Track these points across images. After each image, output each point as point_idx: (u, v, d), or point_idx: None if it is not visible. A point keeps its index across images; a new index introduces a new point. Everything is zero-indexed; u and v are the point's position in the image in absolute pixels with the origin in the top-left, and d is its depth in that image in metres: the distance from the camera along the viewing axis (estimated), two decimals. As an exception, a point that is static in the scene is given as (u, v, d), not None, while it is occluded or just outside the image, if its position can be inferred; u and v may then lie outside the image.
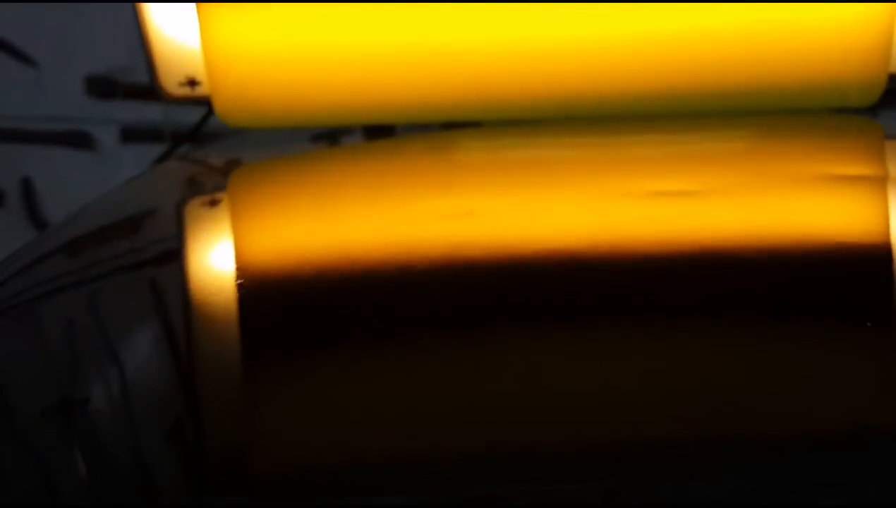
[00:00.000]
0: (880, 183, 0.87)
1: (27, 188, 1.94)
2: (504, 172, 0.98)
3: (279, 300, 0.67)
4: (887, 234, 0.73)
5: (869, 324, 0.59)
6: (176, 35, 1.12)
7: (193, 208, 0.98)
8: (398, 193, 0.92)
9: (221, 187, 1.06)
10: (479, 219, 0.79)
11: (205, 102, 1.13)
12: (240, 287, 0.69)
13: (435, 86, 1.07)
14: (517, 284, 0.66)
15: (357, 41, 1.07)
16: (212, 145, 1.24)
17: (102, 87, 1.87)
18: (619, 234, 0.73)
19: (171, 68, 1.12)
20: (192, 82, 1.13)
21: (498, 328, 0.61)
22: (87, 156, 1.92)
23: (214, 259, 0.80)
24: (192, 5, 1.07)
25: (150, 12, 1.11)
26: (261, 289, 0.69)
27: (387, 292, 0.66)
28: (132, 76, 1.77)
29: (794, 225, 0.75)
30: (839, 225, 0.76)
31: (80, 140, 1.91)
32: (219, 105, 1.11)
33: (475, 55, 1.07)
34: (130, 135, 1.89)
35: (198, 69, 1.12)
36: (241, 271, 0.73)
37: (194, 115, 1.19)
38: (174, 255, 0.83)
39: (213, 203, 0.99)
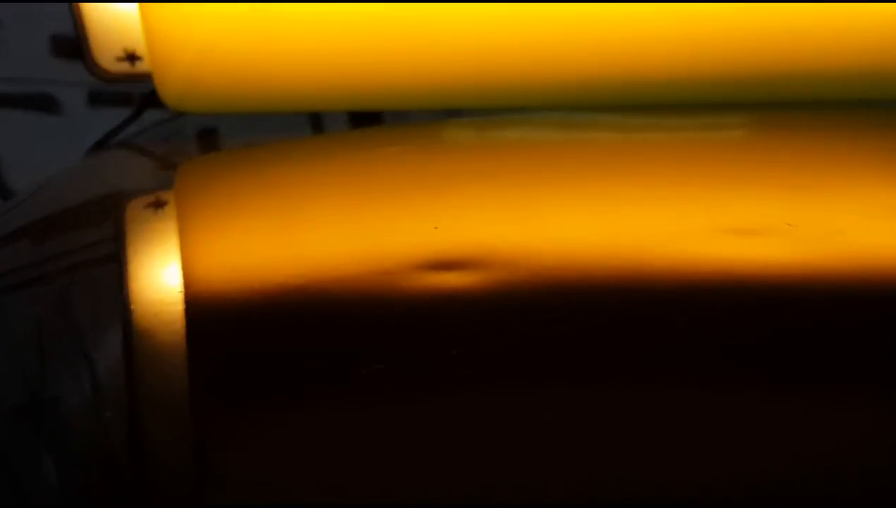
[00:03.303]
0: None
1: (-11, 153, 1.83)
2: (497, 169, 0.83)
3: (232, 334, 0.57)
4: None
5: None
6: (112, 1, 0.96)
7: (133, 212, 0.86)
8: (371, 197, 0.79)
9: (168, 184, 0.94)
10: (463, 229, 0.68)
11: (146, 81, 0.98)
12: (188, 321, 0.59)
13: (396, 70, 0.94)
14: (508, 311, 0.56)
15: (322, 13, 0.93)
16: (171, 125, 1.10)
17: (69, 48, 1.72)
18: (632, 252, 0.61)
19: (107, 40, 0.96)
20: (132, 57, 0.97)
21: (481, 364, 0.52)
22: (53, 120, 1.82)
23: (156, 284, 0.68)
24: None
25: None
26: (211, 325, 0.59)
27: (355, 319, 0.57)
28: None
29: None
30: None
31: (44, 103, 1.81)
32: (162, 85, 0.96)
33: (440, 39, 0.94)
34: (98, 98, 1.77)
35: (139, 40, 0.96)
36: (190, 301, 0.62)
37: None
38: (103, 280, 0.71)
39: (158, 205, 0.87)
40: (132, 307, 0.64)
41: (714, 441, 0.46)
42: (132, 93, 1.47)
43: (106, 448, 0.50)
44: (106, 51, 0.97)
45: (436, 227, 0.67)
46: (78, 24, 0.97)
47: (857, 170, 0.79)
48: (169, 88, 0.96)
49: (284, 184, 0.87)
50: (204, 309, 0.61)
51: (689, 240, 0.62)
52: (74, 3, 0.96)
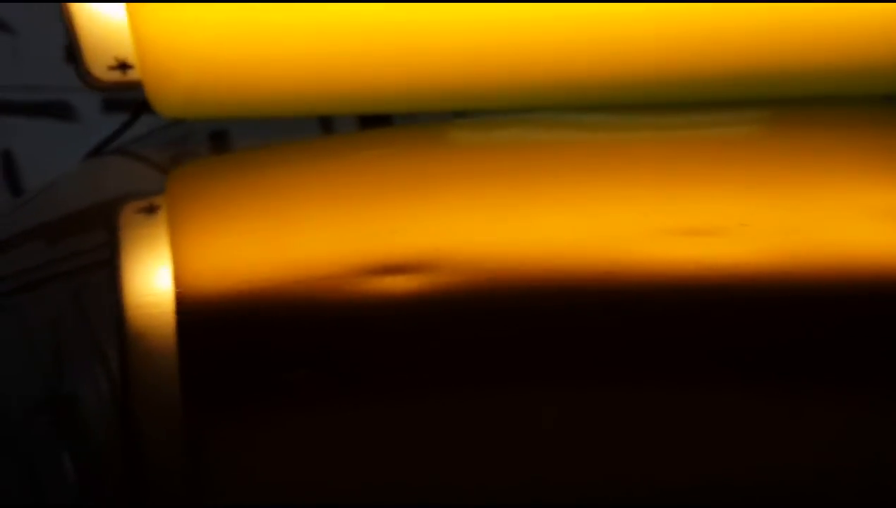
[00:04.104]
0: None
1: (7, 160, 1.85)
2: (472, 171, 0.84)
3: (225, 342, 0.57)
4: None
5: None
6: (103, 9, 0.97)
7: (126, 217, 0.86)
8: (367, 200, 0.79)
9: (160, 188, 0.95)
10: (422, 232, 0.69)
11: (137, 89, 0.98)
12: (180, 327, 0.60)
13: (387, 74, 0.94)
14: (456, 315, 0.56)
15: (314, 17, 0.94)
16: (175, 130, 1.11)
17: (83, 55, 1.76)
18: (630, 257, 0.61)
19: (98, 49, 0.97)
20: (124, 65, 0.98)
21: (475, 368, 0.51)
22: (68, 127, 1.83)
23: (148, 288, 0.69)
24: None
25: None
26: (204, 331, 0.60)
27: (350, 325, 0.57)
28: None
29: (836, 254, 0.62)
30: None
31: (60, 110, 1.82)
32: (153, 93, 0.96)
33: (428, 42, 0.94)
34: (112, 104, 1.77)
35: (130, 49, 0.97)
36: (183, 306, 0.63)
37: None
38: (95, 284, 0.72)
39: (151, 210, 0.87)
40: (124, 311, 0.64)
41: (664, 442, 0.46)
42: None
43: (99, 451, 0.51)
44: (97, 59, 0.98)
45: (392, 233, 0.67)
46: (69, 32, 0.97)
47: (819, 167, 0.79)
48: (160, 96, 0.97)
49: (271, 188, 0.87)
50: (194, 313, 0.62)
51: (638, 241, 0.62)
52: (65, 12, 0.96)
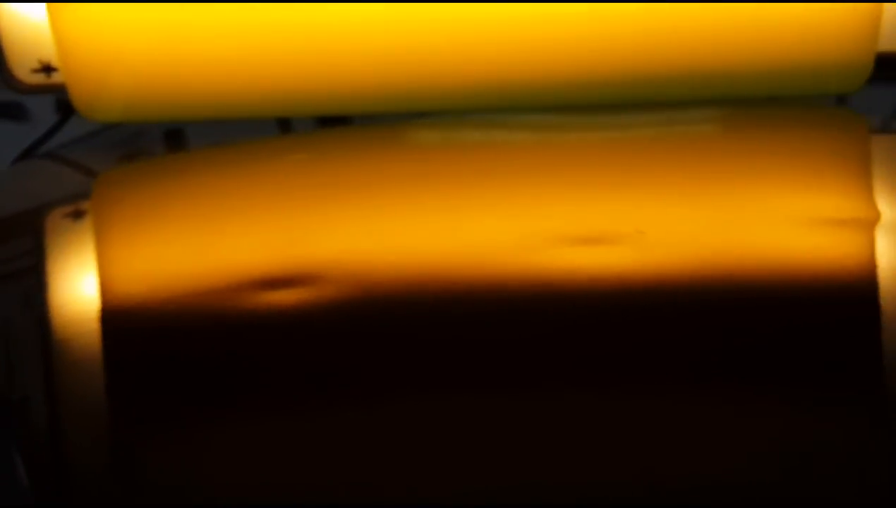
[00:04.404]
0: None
1: (-42, 163, 1.84)
2: (382, 177, 0.82)
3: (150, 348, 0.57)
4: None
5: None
6: (26, 10, 0.95)
7: (53, 222, 0.86)
8: (286, 206, 0.79)
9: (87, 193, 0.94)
10: (313, 242, 0.68)
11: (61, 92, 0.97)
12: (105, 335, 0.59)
13: (308, 75, 0.93)
14: (387, 325, 0.55)
15: (242, 18, 0.92)
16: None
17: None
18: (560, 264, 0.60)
19: (22, 52, 0.96)
20: (48, 68, 0.96)
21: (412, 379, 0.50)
22: (19, 128, 1.81)
23: (73, 295, 0.68)
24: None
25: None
26: (125, 336, 0.59)
27: (283, 332, 0.56)
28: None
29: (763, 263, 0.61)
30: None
31: (12, 110, 1.80)
32: (76, 95, 0.95)
33: (355, 43, 0.93)
34: (66, 105, 1.77)
35: (53, 51, 0.95)
36: (105, 312, 0.62)
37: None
38: (20, 291, 0.71)
39: (77, 215, 0.86)
40: (49, 315, 0.64)
41: (551, 448, 0.46)
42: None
43: (24, 455, 0.50)
44: (21, 62, 0.97)
45: (279, 243, 0.67)
46: (-8, 36, 0.96)
47: (751, 171, 0.78)
48: (83, 99, 0.96)
49: (195, 193, 0.87)
50: (115, 318, 0.61)
51: (533, 250, 0.61)
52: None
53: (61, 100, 1.74)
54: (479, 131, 0.96)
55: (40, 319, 0.64)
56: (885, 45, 0.99)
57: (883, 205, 0.74)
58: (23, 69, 0.97)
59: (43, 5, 0.94)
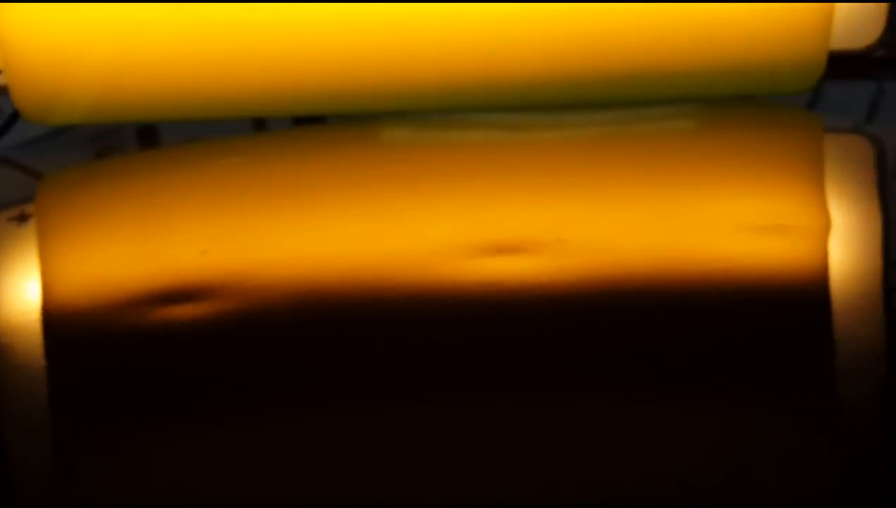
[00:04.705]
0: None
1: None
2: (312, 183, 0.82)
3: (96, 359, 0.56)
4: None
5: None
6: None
7: None
8: (223, 210, 0.78)
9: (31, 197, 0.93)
10: (283, 248, 0.67)
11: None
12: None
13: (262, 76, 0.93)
14: (296, 336, 0.55)
15: (177, 15, 0.92)
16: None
17: None
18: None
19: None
20: (-9, 70, 0.96)
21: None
22: None
23: (16, 298, 0.67)
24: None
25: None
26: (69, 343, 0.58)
27: (178, 345, 0.55)
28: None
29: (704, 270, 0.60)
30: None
31: None
32: (17, 97, 0.94)
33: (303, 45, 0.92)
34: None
35: (-4, 54, 0.95)
36: (48, 319, 0.62)
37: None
38: None
39: (22, 218, 0.85)
40: None
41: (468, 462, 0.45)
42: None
43: None
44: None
45: (204, 252, 0.66)
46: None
47: (694, 174, 0.77)
48: (25, 101, 0.95)
49: (142, 195, 0.86)
50: (60, 325, 0.61)
51: (449, 259, 0.60)
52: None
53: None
54: (429, 131, 0.96)
55: None
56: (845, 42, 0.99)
57: (818, 208, 0.73)
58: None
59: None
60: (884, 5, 0.99)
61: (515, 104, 0.94)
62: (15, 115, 1.03)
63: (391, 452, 0.46)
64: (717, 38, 0.92)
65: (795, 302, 0.58)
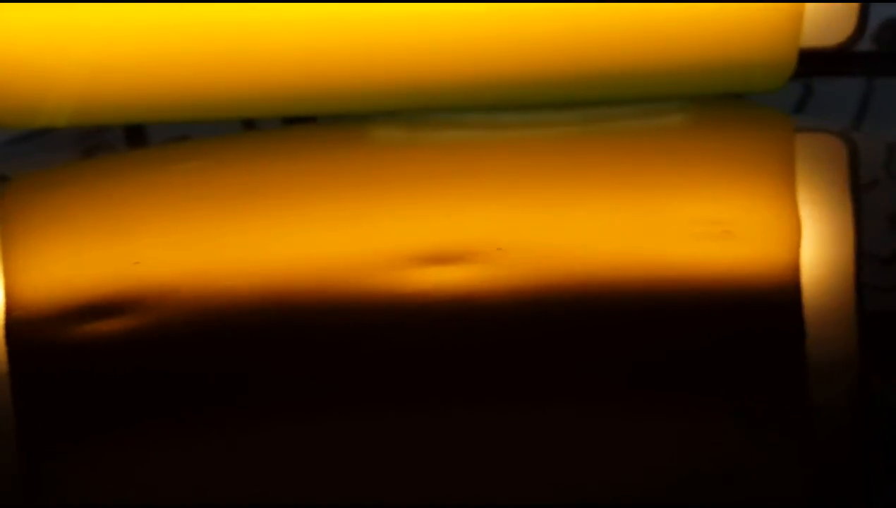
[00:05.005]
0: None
1: None
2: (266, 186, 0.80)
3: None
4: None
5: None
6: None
7: None
8: (185, 214, 0.77)
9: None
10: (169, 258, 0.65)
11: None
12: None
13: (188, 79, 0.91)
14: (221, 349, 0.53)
15: (144, 19, 0.90)
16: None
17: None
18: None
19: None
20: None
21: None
22: None
23: None
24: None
25: None
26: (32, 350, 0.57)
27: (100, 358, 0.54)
28: None
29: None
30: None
31: None
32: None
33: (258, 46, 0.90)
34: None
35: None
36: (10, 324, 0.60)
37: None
38: None
39: None
40: None
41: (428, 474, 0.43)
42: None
43: None
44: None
45: (136, 262, 0.64)
46: None
47: (641, 176, 0.75)
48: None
49: (110, 198, 0.85)
50: (21, 331, 0.59)
51: (381, 270, 0.59)
52: None
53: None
54: (402, 131, 0.94)
55: None
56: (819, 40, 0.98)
57: (785, 209, 0.72)
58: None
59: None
60: (854, 4, 0.99)
61: (488, 104, 0.93)
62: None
63: (323, 465, 0.45)
64: (684, 37, 0.91)
65: (759, 305, 0.56)
